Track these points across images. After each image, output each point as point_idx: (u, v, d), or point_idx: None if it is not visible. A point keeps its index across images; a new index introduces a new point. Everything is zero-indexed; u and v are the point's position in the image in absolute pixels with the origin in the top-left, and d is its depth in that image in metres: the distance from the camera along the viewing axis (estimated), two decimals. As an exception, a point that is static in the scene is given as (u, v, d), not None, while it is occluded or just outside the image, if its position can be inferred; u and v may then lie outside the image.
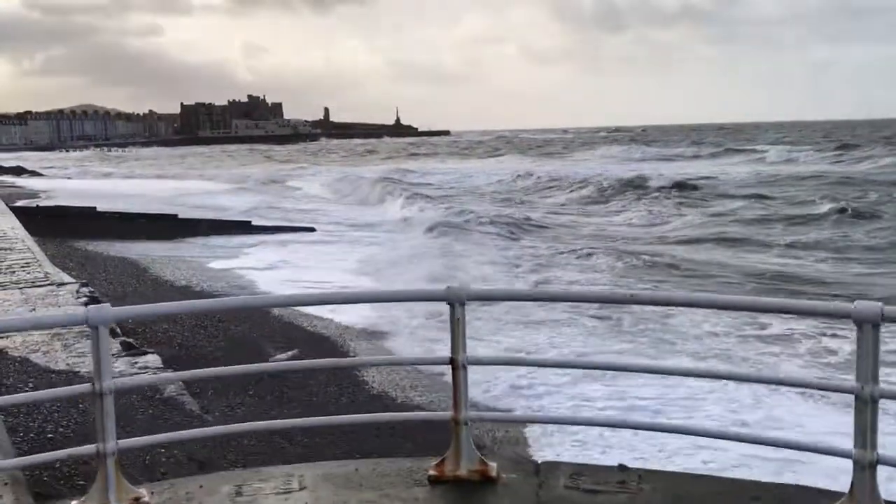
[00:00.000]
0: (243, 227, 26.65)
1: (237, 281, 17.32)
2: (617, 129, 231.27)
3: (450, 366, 4.28)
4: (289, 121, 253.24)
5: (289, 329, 13.22)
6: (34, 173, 66.02)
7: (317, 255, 21.44)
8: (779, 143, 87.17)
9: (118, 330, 11.57)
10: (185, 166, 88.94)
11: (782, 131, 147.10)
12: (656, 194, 36.27)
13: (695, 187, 39.10)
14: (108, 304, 2.76)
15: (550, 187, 44.39)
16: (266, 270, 18.57)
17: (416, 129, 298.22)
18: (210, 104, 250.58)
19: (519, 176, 50.71)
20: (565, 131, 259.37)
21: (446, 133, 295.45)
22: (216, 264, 19.25)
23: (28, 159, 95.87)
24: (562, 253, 20.80)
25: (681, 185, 39.06)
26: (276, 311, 14.00)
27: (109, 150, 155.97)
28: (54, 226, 22.80)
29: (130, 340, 10.81)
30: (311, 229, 27.63)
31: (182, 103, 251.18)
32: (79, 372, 9.40)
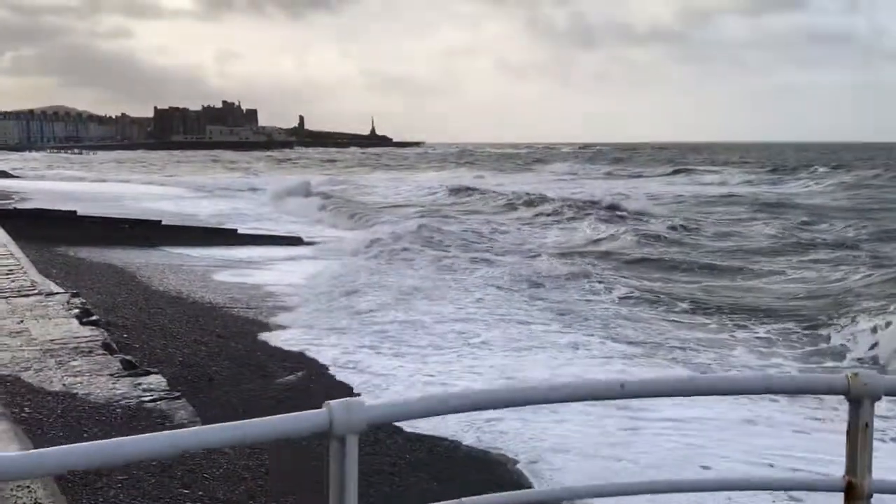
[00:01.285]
0: (229, 236, 25.74)
1: (238, 292, 16.47)
2: (585, 147, 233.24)
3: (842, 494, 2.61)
4: (263, 128, 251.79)
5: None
6: (4, 174, 64.35)
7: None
8: (729, 165, 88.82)
9: (114, 345, 10.74)
10: (156, 169, 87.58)
11: (745, 152, 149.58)
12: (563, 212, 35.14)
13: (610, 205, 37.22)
14: (361, 400, 1.95)
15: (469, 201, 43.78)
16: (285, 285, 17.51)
17: (391, 139, 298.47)
18: (184, 109, 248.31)
19: (453, 190, 49.21)
20: (530, 146, 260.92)
21: (419, 144, 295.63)
22: (218, 276, 18.36)
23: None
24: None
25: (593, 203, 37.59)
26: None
27: (80, 153, 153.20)
28: (33, 230, 21.76)
29: (130, 359, 9.96)
30: (299, 239, 26.77)
31: (156, 107, 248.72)
32: (76, 394, 8.57)
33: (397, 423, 7.23)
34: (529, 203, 39.15)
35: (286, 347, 12.29)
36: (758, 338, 13.52)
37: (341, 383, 10.50)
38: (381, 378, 10.80)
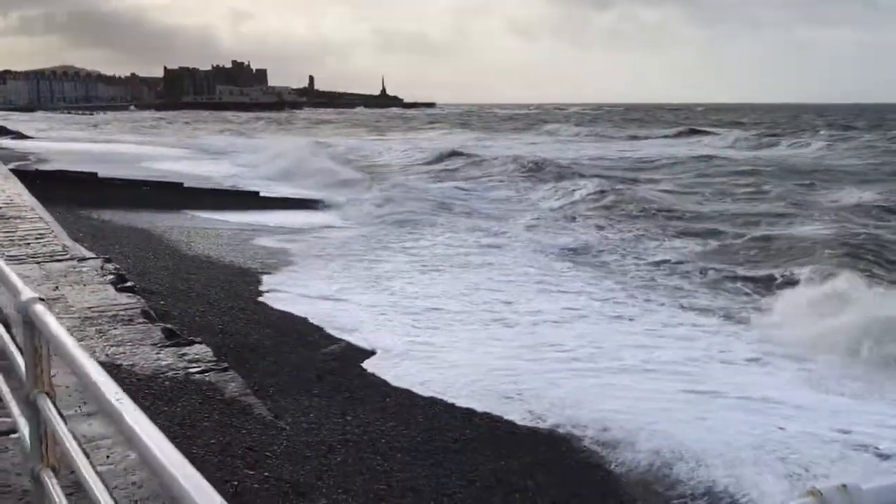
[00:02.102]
0: (252, 199, 25.37)
1: (266, 255, 16.14)
2: (598, 108, 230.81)
3: None
4: (273, 88, 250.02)
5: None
6: (19, 135, 63.89)
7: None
8: (736, 127, 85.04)
9: (152, 313, 10.42)
10: (170, 132, 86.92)
11: (756, 113, 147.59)
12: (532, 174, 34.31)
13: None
14: (857, 485, 1.37)
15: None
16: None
17: (402, 100, 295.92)
18: (194, 69, 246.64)
19: (443, 155, 46.16)
20: (539, 107, 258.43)
21: (432, 105, 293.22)
22: (246, 239, 17.99)
23: (9, 119, 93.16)
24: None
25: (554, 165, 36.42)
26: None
27: (92, 114, 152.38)
28: (55, 192, 21.39)
29: (172, 327, 9.63)
30: (318, 202, 26.35)
31: (166, 67, 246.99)
32: (121, 365, 8.25)
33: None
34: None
35: (321, 314, 11.96)
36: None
37: (373, 352, 10.12)
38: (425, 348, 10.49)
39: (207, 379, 8.19)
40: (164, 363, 8.42)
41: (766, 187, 29.81)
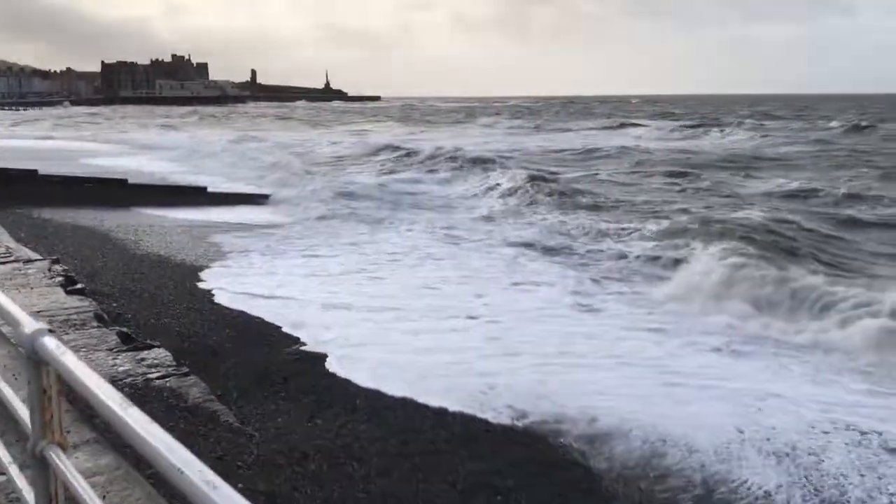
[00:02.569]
0: (199, 194, 24.73)
1: (216, 253, 15.68)
2: (540, 100, 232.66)
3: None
4: (215, 82, 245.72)
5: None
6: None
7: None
8: (668, 118, 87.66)
9: (105, 316, 9.97)
10: (105, 128, 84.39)
11: (690, 105, 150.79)
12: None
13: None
14: None
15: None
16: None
17: (346, 94, 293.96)
18: (132, 63, 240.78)
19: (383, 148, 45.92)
20: (482, 101, 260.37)
21: (376, 98, 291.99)
22: (196, 236, 17.46)
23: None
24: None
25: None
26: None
27: (25, 110, 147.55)
28: (-8, 190, 20.58)
29: (127, 331, 9.21)
30: (265, 197, 25.86)
31: (103, 62, 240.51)
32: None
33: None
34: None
35: (278, 312, 11.62)
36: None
37: (335, 351, 9.87)
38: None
39: (168, 385, 7.83)
40: (121, 369, 8.03)
41: (676, 178, 30.89)
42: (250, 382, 8.47)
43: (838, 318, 11.29)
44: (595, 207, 23.22)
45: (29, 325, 2.39)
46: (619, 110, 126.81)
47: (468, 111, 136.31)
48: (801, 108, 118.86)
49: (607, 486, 6.60)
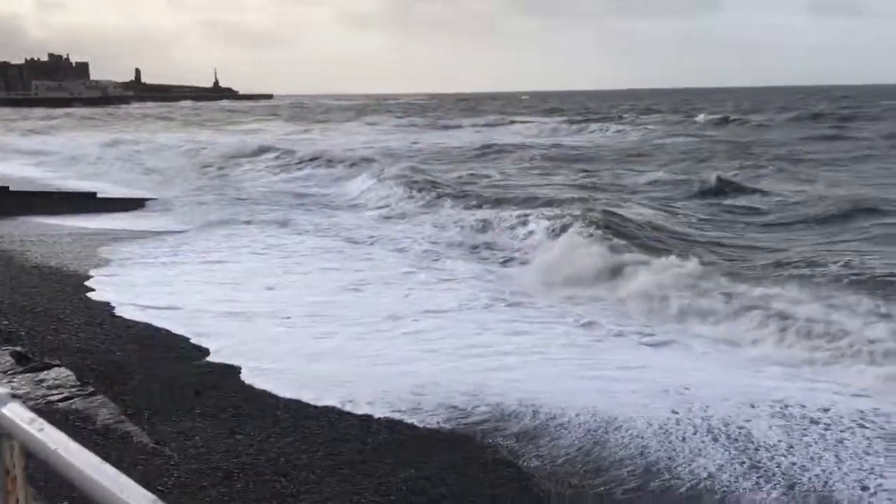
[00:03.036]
0: (88, 200, 23.61)
1: (115, 264, 14.93)
2: (431, 97, 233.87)
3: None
4: (97, 82, 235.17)
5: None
6: None
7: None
8: (554, 114, 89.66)
9: (-5, 336, 9.30)
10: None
11: (576, 101, 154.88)
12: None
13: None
14: None
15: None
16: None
17: (236, 92, 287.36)
18: (5, 63, 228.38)
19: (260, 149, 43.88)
20: (370, 97, 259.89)
21: (269, 97, 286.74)
22: (90, 245, 16.56)
23: None
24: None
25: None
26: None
27: None
28: None
29: (22, 350, 8.63)
30: (153, 200, 24.90)
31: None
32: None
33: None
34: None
35: (182, 323, 11.13)
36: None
37: (249, 361, 9.51)
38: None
39: (74, 406, 7.38)
40: (19, 392, 7.50)
41: (553, 170, 32.08)
42: (162, 399, 8.05)
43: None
44: (497, 202, 23.34)
45: None
46: (509, 106, 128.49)
47: (359, 109, 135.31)
48: (681, 101, 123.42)
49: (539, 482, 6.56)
